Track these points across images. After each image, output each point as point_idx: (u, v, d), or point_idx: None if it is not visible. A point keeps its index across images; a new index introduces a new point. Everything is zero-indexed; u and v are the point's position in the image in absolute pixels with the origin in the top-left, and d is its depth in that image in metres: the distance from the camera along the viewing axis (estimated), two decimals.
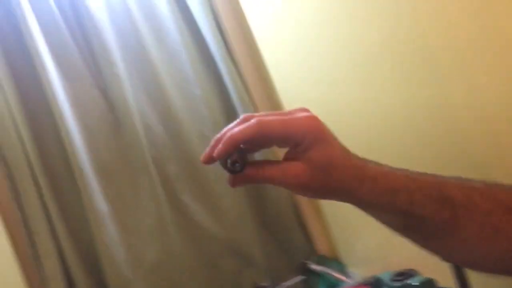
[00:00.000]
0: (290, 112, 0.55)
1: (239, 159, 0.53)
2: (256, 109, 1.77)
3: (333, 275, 1.69)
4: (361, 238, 1.63)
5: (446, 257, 0.60)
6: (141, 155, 1.66)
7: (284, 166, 0.54)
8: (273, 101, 1.79)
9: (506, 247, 0.53)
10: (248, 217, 1.76)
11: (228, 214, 1.73)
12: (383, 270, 1.37)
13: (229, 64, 1.75)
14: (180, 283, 1.66)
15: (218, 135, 0.54)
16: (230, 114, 1.77)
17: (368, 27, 1.18)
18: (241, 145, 0.54)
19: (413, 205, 0.53)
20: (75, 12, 1.67)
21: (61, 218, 1.57)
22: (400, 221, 0.56)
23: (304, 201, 1.81)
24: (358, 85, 1.33)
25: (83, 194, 1.57)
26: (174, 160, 1.70)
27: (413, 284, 1.05)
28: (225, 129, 0.54)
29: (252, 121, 0.52)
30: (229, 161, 0.53)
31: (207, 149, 0.55)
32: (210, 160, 0.54)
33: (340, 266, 1.74)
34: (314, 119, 0.54)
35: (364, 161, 0.55)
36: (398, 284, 1.09)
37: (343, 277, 1.67)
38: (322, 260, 1.78)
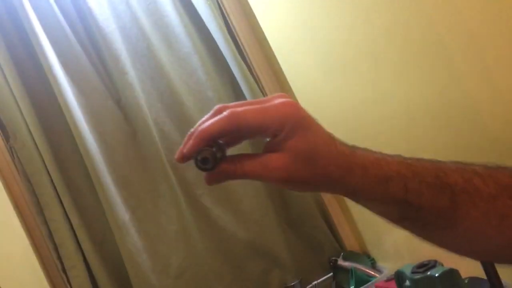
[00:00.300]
0: (266, 100, 0.50)
1: (209, 155, 0.48)
2: None
3: (363, 271, 1.64)
4: (389, 231, 1.58)
5: (450, 249, 0.54)
6: (159, 162, 1.67)
7: (264, 158, 0.49)
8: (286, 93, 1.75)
9: None
10: (271, 216, 1.74)
11: (250, 215, 1.71)
12: (413, 263, 1.32)
13: (241, 64, 1.73)
14: (207, 287, 1.66)
15: (191, 130, 0.50)
16: None
17: (377, 13, 1.14)
18: (218, 140, 0.50)
19: (408, 193, 0.49)
20: (84, 25, 1.70)
21: (84, 230, 1.60)
22: (396, 212, 0.51)
23: (328, 197, 1.77)
24: (370, 74, 1.29)
25: (105, 205, 1.59)
26: (191, 165, 1.69)
27: (434, 275, 1.00)
28: (198, 123, 0.50)
29: (224, 112, 0.48)
30: (198, 158, 0.48)
31: (181, 146, 0.50)
32: (182, 157, 0.50)
33: (369, 261, 1.69)
34: (291, 105, 0.48)
35: (353, 147, 0.51)
36: (419, 276, 1.03)
37: (373, 272, 1.62)
38: (351, 255, 1.73)
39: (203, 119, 0.50)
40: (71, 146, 1.63)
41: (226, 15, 1.78)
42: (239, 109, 0.48)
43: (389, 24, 1.11)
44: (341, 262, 1.72)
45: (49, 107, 1.64)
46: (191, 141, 0.49)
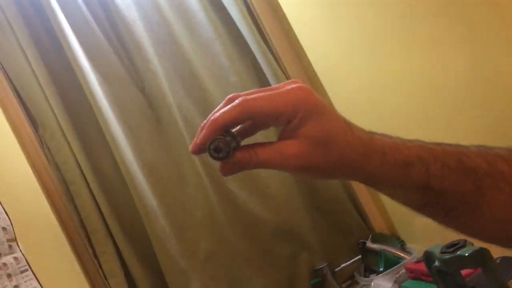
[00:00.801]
0: (278, 87, 0.49)
1: (223, 143, 0.47)
2: None
3: (392, 252, 1.62)
4: None
5: (474, 235, 0.53)
6: (184, 148, 1.68)
7: (279, 146, 0.48)
8: (311, 79, 1.74)
9: None
10: (298, 200, 1.73)
11: (277, 199, 1.70)
12: (441, 243, 1.30)
13: (263, 48, 1.72)
14: (236, 270, 1.67)
15: (204, 121, 0.49)
16: None
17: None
18: (231, 130, 0.50)
19: (431, 177, 0.47)
20: (107, 14, 1.71)
21: (114, 216, 1.63)
22: (418, 198, 0.50)
23: None
24: (394, 54, 1.26)
25: (133, 192, 1.61)
26: None
27: (463, 254, 0.98)
28: (211, 114, 0.49)
29: (235, 101, 0.47)
30: (211, 146, 0.47)
31: (195, 138, 0.50)
32: (196, 148, 0.49)
33: (398, 243, 1.67)
34: (304, 90, 0.47)
35: (370, 133, 0.49)
36: (448, 256, 1.01)
37: (402, 254, 1.60)
38: (380, 237, 1.71)
39: (216, 109, 0.49)
40: (98, 134, 1.66)
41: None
42: (251, 96, 0.47)
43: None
44: (369, 244, 1.70)
45: (75, 96, 1.67)
46: (203, 131, 0.48)
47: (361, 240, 1.71)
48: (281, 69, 1.73)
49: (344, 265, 1.71)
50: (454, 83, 1.08)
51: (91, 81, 1.63)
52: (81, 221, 1.60)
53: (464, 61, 1.01)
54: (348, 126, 0.49)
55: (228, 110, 0.47)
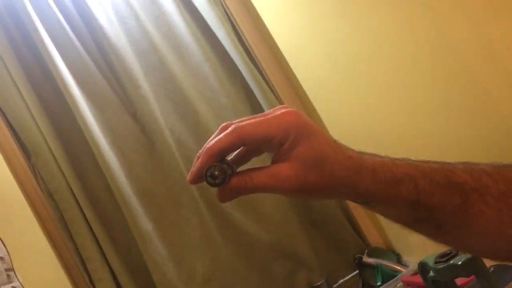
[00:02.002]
0: (268, 113, 0.52)
1: (218, 169, 0.49)
2: None
3: (389, 266, 1.63)
4: None
5: (465, 249, 0.55)
6: (177, 170, 1.69)
7: (273, 170, 0.49)
8: (301, 98, 1.76)
9: None
10: (293, 217, 1.74)
11: (272, 217, 1.71)
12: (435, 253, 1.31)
13: (252, 68, 1.74)
14: None
15: (200, 151, 0.52)
16: None
17: (385, 14, 1.14)
18: (225, 157, 0.52)
19: (420, 193, 0.49)
20: (96, 42, 1.73)
21: (109, 242, 1.62)
22: (409, 214, 0.51)
23: None
24: (380, 72, 1.28)
25: (127, 217, 1.61)
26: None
27: (456, 263, 0.99)
28: (205, 143, 0.51)
29: (229, 128, 0.49)
30: (208, 173, 0.49)
31: (192, 168, 0.52)
32: (193, 177, 0.51)
33: (394, 256, 1.68)
34: (293, 114, 0.50)
35: (360, 152, 0.51)
36: (441, 265, 1.02)
37: (398, 267, 1.61)
38: (376, 252, 1.72)
39: (210, 138, 0.51)
40: (90, 161, 1.66)
41: (233, 21, 1.80)
42: (243, 123, 0.50)
43: (400, 22, 1.11)
44: (366, 259, 1.70)
45: (67, 124, 1.68)
46: (199, 159, 0.50)
47: (358, 255, 1.72)
48: (270, 88, 1.75)
49: (342, 281, 1.71)
50: (442, 107, 1.10)
51: (82, 109, 1.64)
52: (77, 249, 1.60)
53: (448, 81, 1.04)
54: (338, 146, 0.51)
55: (222, 137, 0.49)
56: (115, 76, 1.74)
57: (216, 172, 0.49)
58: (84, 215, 1.62)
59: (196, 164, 0.50)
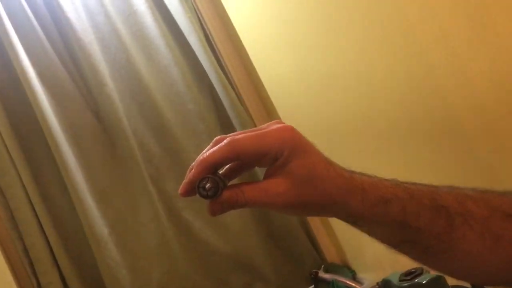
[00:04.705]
0: (262, 127, 0.52)
1: (212, 182, 0.48)
2: (251, 118, 1.75)
3: (344, 282, 1.64)
4: (369, 242, 1.58)
5: (449, 273, 0.55)
6: (138, 174, 1.64)
7: (265, 185, 0.49)
8: (268, 109, 1.77)
9: (510, 255, 0.49)
10: (252, 229, 1.73)
11: (232, 228, 1.69)
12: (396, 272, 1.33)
13: (221, 76, 1.73)
14: None
15: (192, 164, 0.51)
16: (225, 126, 1.75)
17: (357, 29, 1.16)
18: (219, 170, 0.51)
19: (407, 215, 0.49)
20: (62, 35, 1.67)
21: (61, 245, 1.55)
22: (396, 235, 0.51)
23: None
24: (355, 93, 1.30)
25: (82, 219, 1.55)
26: (172, 177, 1.68)
27: (421, 282, 1.01)
28: (199, 156, 0.51)
29: (223, 141, 0.49)
30: (200, 185, 0.49)
31: (184, 180, 0.51)
32: (185, 188, 0.51)
33: (350, 273, 1.70)
34: (289, 130, 0.50)
35: (350, 171, 0.52)
36: (406, 284, 1.04)
37: (354, 284, 1.63)
38: (332, 267, 1.73)
39: (204, 150, 0.51)
40: (47, 158, 1.59)
41: (205, 28, 1.79)
42: (238, 136, 0.50)
43: (372, 42, 1.13)
44: (322, 274, 1.71)
45: (24, 118, 1.60)
46: (193, 171, 0.50)
47: (314, 270, 1.73)
48: (238, 98, 1.75)
49: None
50: (407, 120, 1.13)
51: (42, 103, 1.57)
52: (25, 250, 1.51)
53: (417, 98, 1.07)
54: (330, 163, 0.51)
55: (217, 150, 0.49)
56: (79, 72, 1.68)
57: (209, 185, 0.48)
58: (36, 214, 1.54)
59: (189, 176, 0.50)
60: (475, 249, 0.50)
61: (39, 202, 1.55)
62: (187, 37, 1.74)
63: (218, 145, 0.49)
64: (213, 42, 1.79)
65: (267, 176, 0.50)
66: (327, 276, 1.70)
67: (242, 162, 0.53)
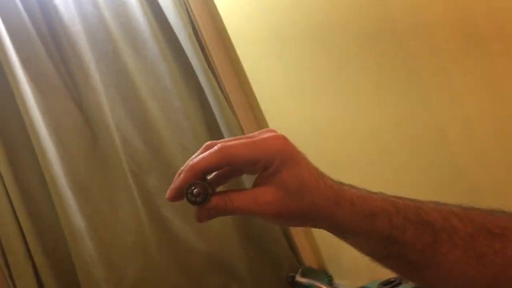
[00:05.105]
0: (254, 135, 0.51)
1: (201, 187, 0.48)
2: (237, 119, 1.74)
3: (320, 287, 1.65)
4: (347, 249, 1.58)
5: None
6: (119, 169, 1.61)
7: (254, 193, 0.49)
8: (254, 110, 1.76)
9: (492, 273, 0.50)
10: (231, 230, 1.71)
11: (211, 228, 1.68)
12: (370, 281, 1.34)
13: (209, 74, 1.71)
14: None
15: (181, 168, 0.51)
16: (211, 125, 1.73)
17: (351, 42, 1.16)
18: (207, 176, 0.51)
19: (393, 229, 0.49)
20: (48, 23, 1.63)
21: (36, 236, 1.52)
22: (381, 249, 0.51)
23: None
24: (341, 101, 1.30)
25: (59, 211, 1.52)
26: (153, 174, 1.65)
27: None
28: (188, 160, 0.50)
29: (214, 147, 0.49)
30: (189, 191, 0.48)
31: (172, 185, 0.51)
32: (173, 193, 0.50)
33: (326, 278, 1.70)
34: (281, 139, 0.50)
35: (339, 183, 0.52)
36: None
37: None
38: (309, 272, 1.74)
39: (193, 155, 0.50)
40: (26, 147, 1.55)
41: (195, 24, 1.77)
42: (229, 143, 0.49)
43: (363, 49, 1.13)
44: (298, 278, 1.71)
45: (4, 104, 1.56)
46: (181, 176, 0.49)
47: (291, 274, 1.72)
48: (225, 98, 1.73)
49: None
50: (394, 133, 1.13)
51: (24, 90, 1.53)
52: None
53: (406, 112, 1.07)
54: (320, 175, 0.51)
55: (207, 155, 0.48)
56: (64, 62, 1.64)
57: (197, 190, 0.48)
58: (11, 203, 1.50)
59: (177, 181, 0.49)
60: (458, 266, 0.50)
61: (15, 191, 1.51)
62: (176, 33, 1.72)
63: (209, 151, 0.49)
64: (202, 39, 1.77)
65: (256, 184, 0.50)
66: (304, 280, 1.70)
67: (232, 169, 0.53)
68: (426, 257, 0.50)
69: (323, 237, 1.72)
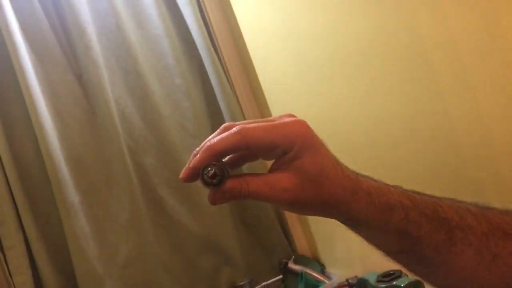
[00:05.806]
0: (274, 119, 0.50)
1: (218, 169, 0.46)
2: (237, 100, 1.71)
3: (312, 275, 1.64)
4: (341, 239, 1.58)
5: (440, 286, 0.54)
6: (116, 145, 1.59)
7: (271, 178, 0.47)
8: (256, 92, 1.73)
9: (506, 274, 0.49)
10: (227, 213, 1.70)
11: (206, 209, 1.66)
12: (363, 271, 1.33)
13: (212, 53, 1.68)
14: (155, 280, 1.59)
15: (197, 148, 0.48)
16: (211, 106, 1.70)
17: (363, 32, 1.13)
18: (223, 158, 0.49)
19: (409, 223, 0.48)
20: None
21: (28, 208, 1.49)
22: (395, 243, 0.50)
23: None
24: (350, 90, 1.28)
25: (54, 184, 1.49)
26: (151, 152, 1.63)
27: (399, 285, 1.00)
28: (205, 141, 0.48)
29: (233, 129, 0.47)
30: (205, 172, 0.46)
31: (186, 165, 0.48)
32: (188, 173, 0.48)
33: (319, 266, 1.69)
34: (302, 124, 0.48)
35: (356, 173, 0.50)
36: (384, 285, 1.04)
37: (322, 278, 1.62)
38: (302, 259, 1.73)
39: (210, 136, 0.48)
40: (23, 117, 1.51)
41: (201, 3, 1.73)
42: (249, 125, 0.47)
43: (372, 35, 1.11)
44: (291, 265, 1.71)
45: (2, 72, 1.52)
46: (198, 156, 0.47)
47: (284, 260, 1.72)
48: (227, 78, 1.70)
49: (264, 283, 1.70)
50: (401, 120, 1.12)
51: (23, 59, 1.49)
52: None
53: (414, 98, 1.05)
54: (339, 164, 0.49)
55: (226, 137, 0.47)
56: (65, 32, 1.60)
57: (213, 172, 0.46)
58: (5, 174, 1.47)
59: (193, 161, 0.47)
60: (471, 265, 0.49)
61: (9, 161, 1.48)
62: (181, 8, 1.69)
63: (228, 132, 0.47)
64: (206, 16, 1.74)
65: (273, 169, 0.48)
66: (297, 267, 1.69)
67: (249, 152, 0.51)
68: (440, 254, 0.49)
69: (318, 226, 1.71)
